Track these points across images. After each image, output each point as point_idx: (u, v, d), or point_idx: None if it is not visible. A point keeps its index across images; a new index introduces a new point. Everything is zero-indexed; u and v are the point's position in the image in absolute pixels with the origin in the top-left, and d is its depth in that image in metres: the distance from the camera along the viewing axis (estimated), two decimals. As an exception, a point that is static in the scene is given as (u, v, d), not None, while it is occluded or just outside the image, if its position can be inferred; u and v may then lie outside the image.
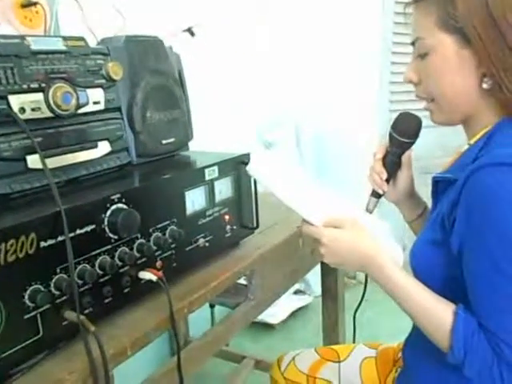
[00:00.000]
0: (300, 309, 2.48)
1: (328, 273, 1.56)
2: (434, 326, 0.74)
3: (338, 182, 2.47)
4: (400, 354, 1.04)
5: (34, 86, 0.78)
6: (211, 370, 1.91)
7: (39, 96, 0.79)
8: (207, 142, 1.21)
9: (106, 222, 0.76)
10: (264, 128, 2.43)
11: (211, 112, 1.86)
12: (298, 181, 0.87)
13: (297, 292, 2.56)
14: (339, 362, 1.09)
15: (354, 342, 1.19)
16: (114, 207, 0.77)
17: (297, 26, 2.53)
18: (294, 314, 2.43)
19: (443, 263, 0.77)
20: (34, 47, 0.79)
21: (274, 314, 2.31)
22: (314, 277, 2.37)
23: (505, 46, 0.70)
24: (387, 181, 0.95)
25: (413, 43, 0.79)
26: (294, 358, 1.15)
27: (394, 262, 0.78)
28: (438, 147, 2.36)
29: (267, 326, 2.29)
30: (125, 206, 0.79)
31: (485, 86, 0.74)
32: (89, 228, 0.74)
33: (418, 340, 0.86)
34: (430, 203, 0.98)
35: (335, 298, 1.55)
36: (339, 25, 2.54)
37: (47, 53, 0.81)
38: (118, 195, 0.78)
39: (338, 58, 2.56)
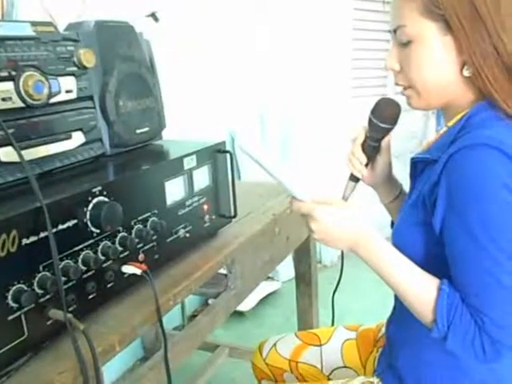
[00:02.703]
0: (269, 295, 2.49)
1: (301, 258, 1.57)
2: (418, 302, 0.76)
3: (301, 169, 2.49)
4: (380, 335, 1.07)
5: (4, 74, 0.74)
6: (185, 360, 1.90)
7: (9, 85, 0.74)
8: (172, 130, 1.18)
9: (88, 216, 0.73)
10: (228, 116, 2.41)
11: (176, 100, 1.83)
12: (280, 163, 0.87)
13: (265, 278, 2.57)
14: (320, 345, 1.11)
15: (332, 325, 1.20)
16: (95, 200, 0.74)
17: (263, 17, 2.51)
18: (263, 301, 2.44)
19: (425, 242, 0.79)
20: (1, 32, 0.75)
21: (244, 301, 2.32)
22: (282, 262, 2.40)
23: (485, 35, 0.71)
24: (366, 165, 0.96)
25: (394, 31, 0.79)
26: (275, 344, 1.16)
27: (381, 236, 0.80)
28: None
29: (237, 314, 2.30)
30: (106, 199, 0.76)
31: (465, 73, 0.75)
32: (71, 223, 0.71)
33: (401, 317, 0.89)
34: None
35: (309, 283, 1.57)
36: (300, 14, 2.54)
37: (16, 39, 0.76)
38: (100, 188, 0.75)
39: (300, 46, 2.57)
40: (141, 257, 0.85)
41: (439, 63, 0.76)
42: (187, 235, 0.97)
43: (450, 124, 0.81)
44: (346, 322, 1.18)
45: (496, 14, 0.71)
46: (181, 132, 1.30)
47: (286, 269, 2.59)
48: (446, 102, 0.80)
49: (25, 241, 0.64)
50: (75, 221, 0.72)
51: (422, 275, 0.77)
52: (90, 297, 0.75)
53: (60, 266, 0.69)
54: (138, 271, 0.80)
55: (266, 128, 2.57)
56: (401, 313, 0.88)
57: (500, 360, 0.72)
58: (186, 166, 0.95)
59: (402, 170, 1.13)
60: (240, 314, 2.32)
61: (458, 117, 0.79)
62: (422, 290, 0.76)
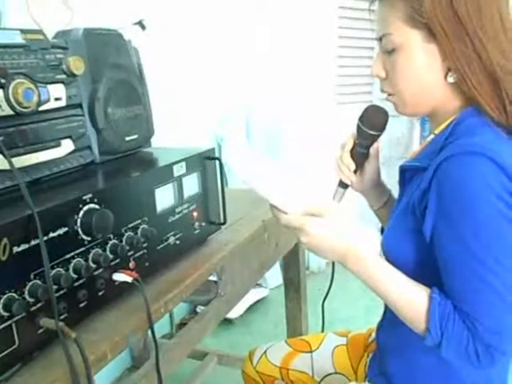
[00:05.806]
0: (257, 302, 2.49)
1: (290, 265, 1.58)
2: (410, 312, 0.76)
3: (290, 175, 2.50)
4: (370, 339, 1.08)
5: (-7, 81, 0.74)
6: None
7: (-2, 93, 0.74)
8: (160, 138, 1.18)
9: (78, 224, 0.73)
10: (215, 122, 2.41)
11: (163, 107, 1.83)
12: (271, 171, 0.86)
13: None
14: (311, 352, 1.11)
15: (322, 331, 1.21)
16: (86, 208, 0.74)
17: (247, 22, 2.53)
18: (251, 308, 2.44)
19: (415, 249, 0.79)
20: (-10, 40, 0.75)
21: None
22: (270, 269, 2.40)
23: (468, 42, 0.73)
24: (355, 172, 0.97)
25: (379, 39, 0.80)
26: (265, 352, 1.16)
27: (372, 249, 0.79)
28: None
29: (226, 321, 2.29)
30: (97, 206, 0.76)
31: (450, 79, 0.76)
32: (62, 230, 0.70)
33: (391, 323, 0.89)
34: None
35: (298, 290, 1.57)
36: (285, 23, 2.56)
37: (5, 46, 0.76)
38: (90, 195, 0.75)
39: (285, 54, 2.58)
40: (132, 264, 0.85)
41: (424, 70, 0.77)
42: (177, 242, 0.97)
43: (437, 131, 0.82)
44: (335, 328, 1.19)
45: (478, 22, 0.72)
46: (169, 139, 1.30)
47: (274, 276, 2.60)
48: (432, 109, 0.82)
49: (16, 249, 0.63)
50: (66, 228, 0.71)
51: (412, 285, 0.76)
52: (82, 305, 0.75)
53: (51, 274, 0.69)
54: (129, 279, 0.80)
55: (252, 134, 2.58)
56: (391, 318, 0.88)
57: (494, 365, 0.72)
58: (176, 173, 0.95)
59: (388, 177, 1.14)
60: (228, 321, 2.31)
61: (445, 124, 0.80)
62: (413, 300, 0.75)
